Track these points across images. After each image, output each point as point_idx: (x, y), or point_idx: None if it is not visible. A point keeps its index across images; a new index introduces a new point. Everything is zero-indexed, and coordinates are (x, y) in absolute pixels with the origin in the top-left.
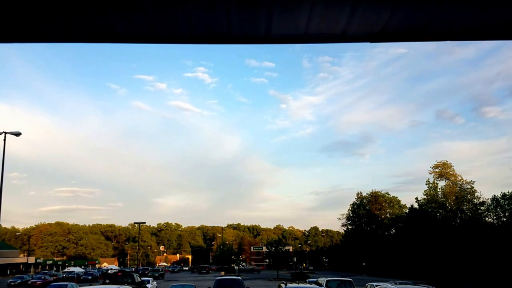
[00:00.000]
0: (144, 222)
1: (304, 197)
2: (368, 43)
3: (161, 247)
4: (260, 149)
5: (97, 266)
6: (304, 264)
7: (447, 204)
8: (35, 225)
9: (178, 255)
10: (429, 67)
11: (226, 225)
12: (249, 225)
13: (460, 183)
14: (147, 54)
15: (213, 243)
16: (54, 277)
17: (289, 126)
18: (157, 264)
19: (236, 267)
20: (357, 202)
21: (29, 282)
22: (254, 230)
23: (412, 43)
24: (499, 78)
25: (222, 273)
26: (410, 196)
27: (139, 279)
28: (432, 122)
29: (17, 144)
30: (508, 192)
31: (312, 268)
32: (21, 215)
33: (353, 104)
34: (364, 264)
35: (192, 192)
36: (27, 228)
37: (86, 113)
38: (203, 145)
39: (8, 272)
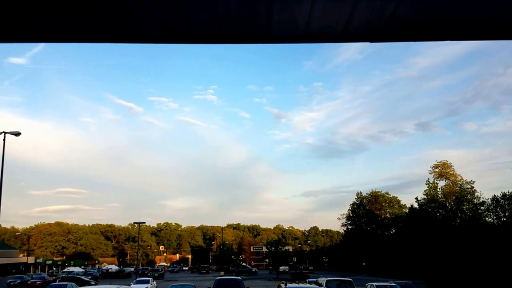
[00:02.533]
0: (144, 222)
1: (304, 198)
2: (368, 43)
3: (161, 247)
4: (264, 157)
5: (96, 266)
6: (304, 265)
7: (447, 204)
8: (34, 225)
9: (178, 255)
10: (415, 90)
11: (226, 225)
12: (248, 225)
13: (460, 183)
14: (164, 80)
15: (213, 243)
16: (54, 277)
17: (290, 137)
18: (157, 264)
19: (236, 268)
20: (357, 202)
21: (28, 282)
22: (254, 230)
23: (396, 70)
24: (479, 98)
25: (222, 273)
26: (401, 198)
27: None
28: (420, 134)
29: (26, 146)
30: (508, 192)
31: (312, 268)
32: (20, 215)
33: (349, 119)
34: (364, 264)
35: (195, 195)
36: (26, 228)
37: (103, 126)
38: (208, 153)
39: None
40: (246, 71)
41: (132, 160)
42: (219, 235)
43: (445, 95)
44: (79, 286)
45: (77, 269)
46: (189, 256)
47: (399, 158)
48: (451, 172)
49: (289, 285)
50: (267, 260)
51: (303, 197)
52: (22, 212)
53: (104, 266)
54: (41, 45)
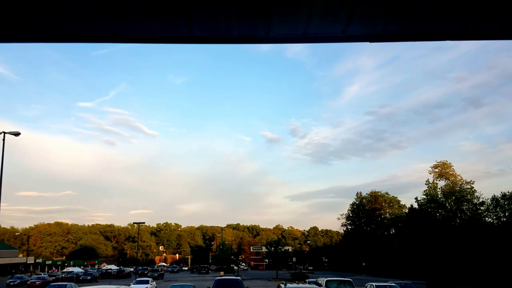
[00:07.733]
0: (144, 222)
1: (301, 202)
2: (368, 42)
3: (160, 247)
4: (267, 170)
5: (96, 266)
6: (303, 265)
7: (447, 204)
8: (34, 225)
9: (177, 255)
10: (391, 123)
11: (225, 225)
12: (248, 225)
13: (460, 183)
14: (189, 117)
15: (212, 243)
16: (53, 277)
17: (290, 154)
18: (157, 264)
19: (235, 267)
20: (357, 202)
21: (28, 282)
22: (254, 230)
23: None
24: (453, 128)
25: (222, 273)
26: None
27: None
28: (396, 152)
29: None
30: (508, 192)
31: (311, 268)
32: (20, 215)
33: (339, 143)
34: (363, 264)
35: (200, 201)
36: (26, 228)
37: (127, 145)
38: (215, 167)
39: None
40: (253, 109)
41: (144, 170)
42: (219, 235)
43: (424, 127)
44: None
45: (76, 269)
46: (189, 256)
47: (384, 168)
48: (450, 172)
49: (288, 285)
50: (266, 260)
51: (300, 201)
52: (22, 213)
53: (104, 266)
54: (111, 95)
